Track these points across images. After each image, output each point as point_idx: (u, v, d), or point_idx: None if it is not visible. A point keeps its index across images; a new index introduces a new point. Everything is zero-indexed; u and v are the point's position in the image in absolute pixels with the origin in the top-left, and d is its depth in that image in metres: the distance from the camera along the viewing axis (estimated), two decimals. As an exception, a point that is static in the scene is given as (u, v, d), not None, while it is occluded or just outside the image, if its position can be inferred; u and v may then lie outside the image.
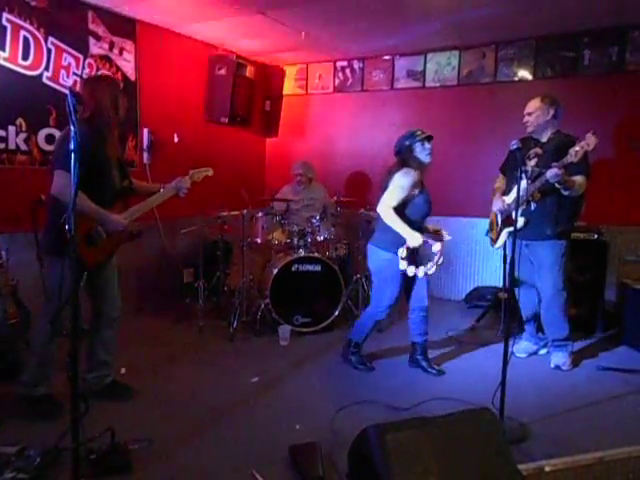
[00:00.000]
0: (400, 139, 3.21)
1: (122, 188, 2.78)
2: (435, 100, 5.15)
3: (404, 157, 3.16)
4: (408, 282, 3.18)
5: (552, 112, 3.27)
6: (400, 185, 3.06)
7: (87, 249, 2.57)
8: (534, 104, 3.32)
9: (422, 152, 3.12)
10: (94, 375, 2.83)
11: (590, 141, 2.87)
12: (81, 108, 1.88)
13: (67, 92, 1.82)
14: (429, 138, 3.13)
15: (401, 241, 3.00)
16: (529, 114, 3.33)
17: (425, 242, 2.96)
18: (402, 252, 2.98)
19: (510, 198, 3.34)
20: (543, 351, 3.62)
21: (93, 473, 2.09)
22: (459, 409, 2.03)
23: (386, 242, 3.10)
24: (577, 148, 2.91)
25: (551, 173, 2.98)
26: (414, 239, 2.94)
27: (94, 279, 2.75)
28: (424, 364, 3.26)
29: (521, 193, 3.20)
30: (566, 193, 3.10)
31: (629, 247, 4.23)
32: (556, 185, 3.06)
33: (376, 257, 3.18)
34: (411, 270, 2.99)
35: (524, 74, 4.75)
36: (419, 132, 3.15)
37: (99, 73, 3.96)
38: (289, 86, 5.87)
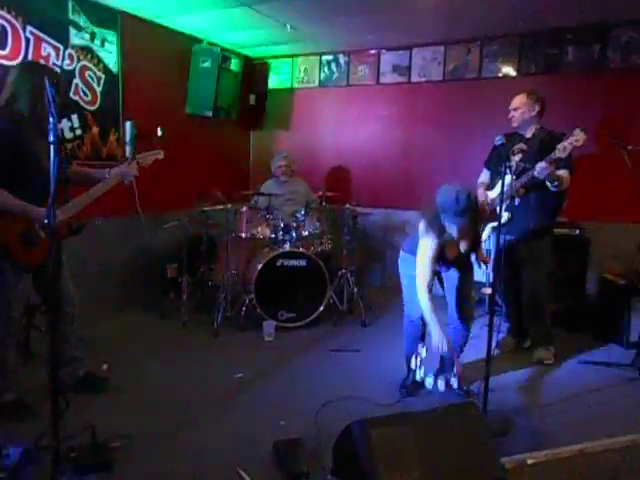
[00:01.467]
0: (441, 195, 2.58)
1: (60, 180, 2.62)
2: (421, 95, 5.16)
3: (431, 219, 2.66)
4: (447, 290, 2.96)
5: (537, 108, 3.30)
6: (422, 261, 2.69)
7: (25, 249, 2.41)
8: (520, 100, 3.35)
9: (449, 227, 2.64)
10: (65, 371, 2.74)
11: (579, 137, 2.90)
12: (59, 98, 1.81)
13: (46, 83, 1.78)
14: (463, 212, 2.51)
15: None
16: (515, 109, 3.36)
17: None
18: (422, 352, 2.75)
19: (494, 193, 3.37)
20: (525, 345, 3.65)
21: (74, 471, 2.06)
22: (443, 404, 2.04)
23: (410, 245, 2.90)
24: (565, 144, 2.93)
25: (539, 168, 3.00)
26: (437, 338, 2.66)
27: (41, 278, 2.59)
28: (452, 383, 2.88)
29: (505, 189, 3.24)
30: (553, 188, 3.13)
31: (610, 243, 4.29)
32: (544, 181, 3.09)
33: (401, 260, 2.99)
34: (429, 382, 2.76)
35: (508, 70, 4.78)
36: (451, 208, 2.51)
37: (30, 60, 3.61)
38: (274, 80, 5.83)
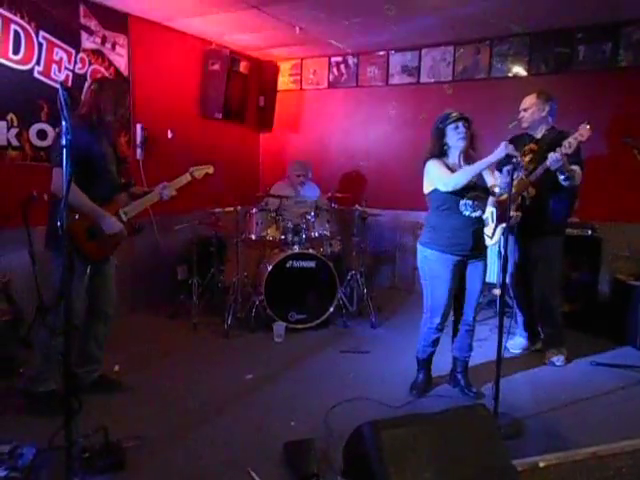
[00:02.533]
0: (434, 122, 2.89)
1: (122, 184, 2.83)
2: (430, 96, 5.14)
3: (432, 143, 2.88)
4: (458, 289, 2.94)
5: (547, 108, 3.28)
6: (433, 170, 2.83)
7: (90, 243, 2.62)
8: (530, 100, 3.33)
9: (453, 136, 2.80)
10: (84, 370, 2.83)
11: (583, 132, 2.86)
12: (75, 104, 1.90)
13: (58, 87, 1.81)
14: (463, 119, 2.80)
15: (436, 235, 2.82)
16: (525, 110, 3.34)
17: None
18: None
19: (505, 195, 3.34)
20: (537, 347, 3.63)
21: (87, 471, 2.08)
22: (453, 406, 2.03)
23: (424, 237, 2.93)
24: (571, 140, 2.90)
25: (553, 158, 2.94)
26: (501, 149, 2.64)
27: (94, 274, 2.76)
28: (463, 383, 2.97)
29: (516, 188, 3.22)
30: (566, 183, 3.08)
31: (622, 243, 4.25)
32: (557, 173, 3.04)
33: (418, 254, 2.97)
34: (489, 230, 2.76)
35: (518, 70, 4.75)
36: (454, 114, 2.81)
37: (105, 75, 3.95)
38: (283, 81, 5.84)
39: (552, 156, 2.97)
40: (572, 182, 3.11)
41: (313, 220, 4.22)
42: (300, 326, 4.02)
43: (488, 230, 3.58)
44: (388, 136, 5.39)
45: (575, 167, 3.10)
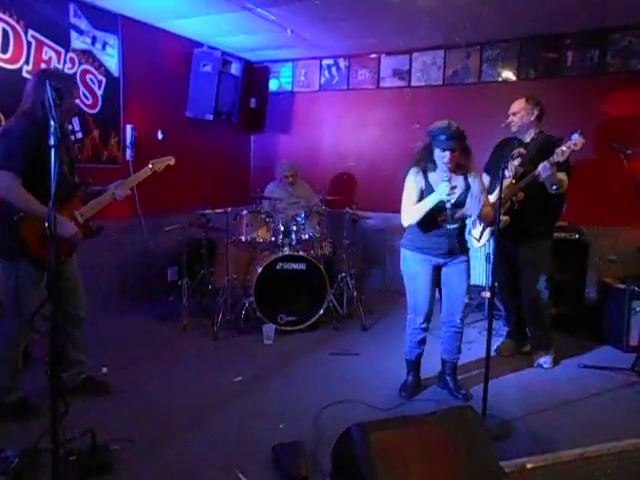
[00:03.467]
0: (434, 124, 2.77)
1: (75, 184, 2.68)
2: (421, 99, 5.17)
3: (420, 153, 2.88)
4: (443, 291, 2.99)
5: (536, 112, 3.31)
6: (404, 192, 2.88)
7: (43, 247, 2.43)
8: (518, 105, 3.36)
9: (439, 159, 2.77)
10: (68, 374, 2.80)
11: (578, 141, 2.90)
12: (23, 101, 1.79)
13: (47, 87, 1.79)
14: (451, 150, 2.70)
15: (414, 237, 2.89)
16: (514, 114, 3.37)
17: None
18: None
19: (493, 197, 3.37)
20: (525, 349, 3.65)
21: (73, 474, 2.06)
22: (441, 408, 2.04)
23: (405, 239, 2.99)
24: (564, 148, 2.94)
25: (542, 167, 3.00)
26: (441, 190, 2.68)
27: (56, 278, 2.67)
28: (451, 385, 2.99)
29: (505, 192, 3.24)
30: (554, 190, 3.13)
31: (609, 247, 4.30)
32: (545, 182, 3.09)
33: (400, 256, 3.02)
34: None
35: (508, 75, 4.80)
36: (442, 137, 2.69)
37: (48, 67, 3.69)
38: (275, 83, 5.85)
39: (542, 166, 3.01)
40: (560, 190, 3.16)
41: (303, 222, 4.22)
42: (290, 328, 4.01)
43: (475, 232, 3.61)
44: (379, 139, 5.41)
45: (561, 174, 3.14)
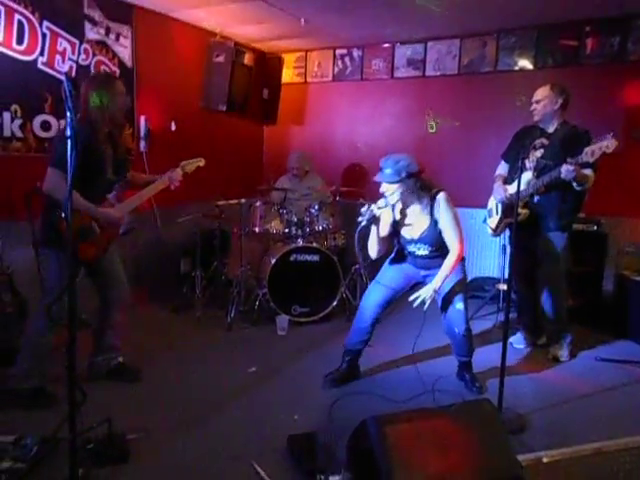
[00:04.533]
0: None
1: (113, 181, 2.80)
2: (435, 89, 5.12)
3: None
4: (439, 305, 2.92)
5: (560, 101, 3.20)
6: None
7: (81, 243, 2.60)
8: (543, 92, 3.24)
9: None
10: (102, 358, 2.91)
11: (610, 144, 2.76)
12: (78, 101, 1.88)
13: (63, 78, 1.79)
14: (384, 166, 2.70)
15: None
16: (537, 102, 3.25)
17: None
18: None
19: (513, 188, 3.31)
20: (541, 342, 3.62)
21: (90, 463, 2.09)
22: (456, 402, 2.03)
23: None
24: (595, 148, 2.81)
25: (566, 171, 2.91)
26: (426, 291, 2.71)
27: (95, 271, 2.81)
28: (467, 378, 3.02)
29: (524, 187, 3.19)
30: (578, 188, 3.06)
31: (628, 238, 4.23)
32: (571, 182, 3.01)
33: None
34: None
35: (525, 63, 4.72)
36: (384, 161, 2.71)
37: (101, 72, 3.88)
38: (288, 74, 5.82)
39: (565, 168, 2.91)
40: (584, 186, 3.07)
41: (317, 214, 4.21)
42: (303, 319, 4.02)
43: (491, 222, 3.58)
44: (393, 129, 5.37)
45: (587, 170, 3.03)
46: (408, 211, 2.77)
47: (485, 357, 3.29)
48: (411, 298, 2.72)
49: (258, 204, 4.22)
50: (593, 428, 2.49)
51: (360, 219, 2.68)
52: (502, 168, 3.57)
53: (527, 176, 3.19)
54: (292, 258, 4.02)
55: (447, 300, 2.85)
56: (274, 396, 2.83)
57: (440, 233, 2.71)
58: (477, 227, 4.76)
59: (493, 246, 4.76)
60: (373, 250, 2.85)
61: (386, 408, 2.59)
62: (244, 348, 3.56)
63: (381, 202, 2.70)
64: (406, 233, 2.80)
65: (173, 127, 4.73)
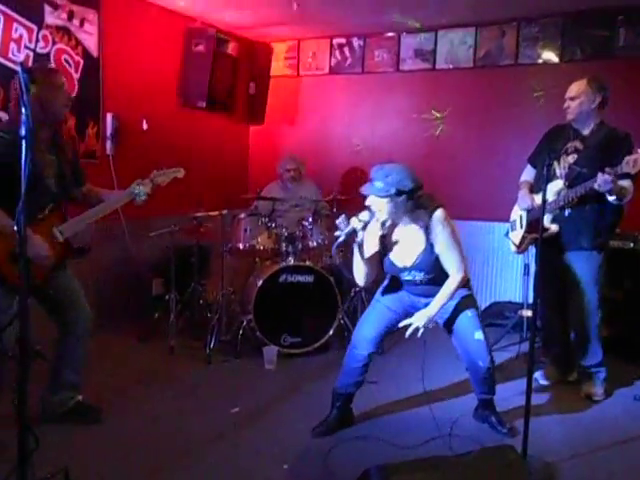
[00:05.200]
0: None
1: (57, 195, 2.71)
2: (447, 84, 5.18)
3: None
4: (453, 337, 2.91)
5: (598, 99, 3.17)
6: None
7: (12, 267, 2.45)
8: (578, 87, 3.22)
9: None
10: (59, 397, 2.85)
11: None
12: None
13: (18, 68, 1.79)
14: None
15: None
16: (572, 99, 3.22)
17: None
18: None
19: (540, 198, 3.31)
20: (572, 378, 3.61)
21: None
22: (474, 448, 2.01)
23: None
24: (637, 157, 2.78)
25: (602, 181, 2.89)
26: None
27: (46, 297, 2.74)
28: (492, 419, 2.98)
29: (553, 197, 3.20)
30: (614, 202, 3.05)
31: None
32: (606, 194, 3.01)
33: None
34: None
35: (549, 56, 4.79)
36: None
37: (35, 65, 3.77)
38: (278, 66, 5.87)
39: (603, 179, 2.89)
40: (623, 200, 3.06)
41: (311, 227, 4.22)
42: (295, 351, 4.00)
43: (514, 236, 3.59)
44: (399, 130, 5.41)
45: (625, 182, 3.01)
46: (399, 232, 2.74)
47: (506, 395, 3.27)
48: (402, 324, 2.72)
49: (243, 216, 4.22)
50: None
51: (337, 233, 2.66)
52: (528, 173, 3.57)
53: (557, 185, 3.21)
54: (282, 279, 4.02)
55: (460, 329, 2.84)
56: (260, 441, 2.80)
57: (436, 259, 2.70)
58: (496, 243, 4.80)
59: (515, 265, 4.78)
60: (359, 275, 2.82)
61: (392, 455, 2.55)
62: (225, 385, 3.53)
63: (364, 215, 2.65)
64: (397, 260, 2.77)
65: (145, 126, 4.74)
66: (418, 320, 2.68)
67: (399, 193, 2.57)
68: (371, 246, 2.76)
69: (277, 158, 4.99)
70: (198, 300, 4.47)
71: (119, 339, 4.27)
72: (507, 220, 3.70)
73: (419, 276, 2.76)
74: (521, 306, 4.50)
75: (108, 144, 4.45)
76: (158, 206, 4.71)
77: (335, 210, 4.47)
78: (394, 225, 2.74)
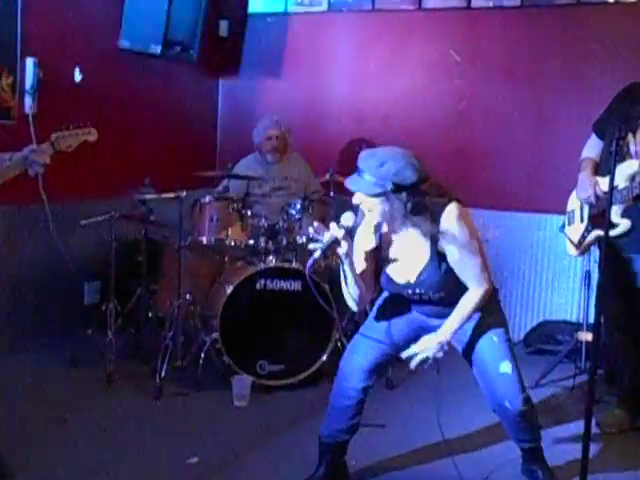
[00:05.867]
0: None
1: None
2: (485, 28, 5.17)
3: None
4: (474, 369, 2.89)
5: None
6: None
7: None
8: None
9: None
10: None
11: None
12: None
13: None
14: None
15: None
16: None
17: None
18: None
19: (605, 183, 3.30)
20: (644, 424, 3.63)
21: None
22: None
23: None
24: None
25: None
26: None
27: None
28: (539, 474, 2.94)
29: (625, 183, 3.19)
30: None
31: None
32: None
33: None
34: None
35: (624, -9, 4.78)
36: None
37: None
38: (258, 1, 5.84)
39: None
40: None
41: (299, 216, 4.21)
42: (275, 382, 4.01)
43: (572, 232, 3.57)
44: (419, 90, 5.39)
45: None
46: (398, 239, 2.70)
47: (559, 443, 3.28)
48: (404, 355, 2.69)
49: (208, 200, 4.21)
50: None
51: (312, 246, 2.58)
52: (593, 147, 3.55)
53: (632, 166, 3.19)
54: (259, 285, 4.01)
55: (482, 360, 2.80)
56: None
57: (447, 272, 2.68)
58: (548, 242, 4.80)
59: (572, 272, 4.78)
60: (350, 299, 2.74)
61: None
62: (181, 426, 3.53)
63: (347, 217, 2.58)
64: (397, 275, 2.73)
65: (78, 77, 4.70)
66: (425, 348, 2.64)
67: (397, 189, 2.48)
68: (361, 259, 2.72)
69: (256, 123, 4.95)
70: (146, 312, 4.47)
71: (40, 363, 4.25)
72: (563, 211, 3.69)
73: (427, 295, 2.73)
74: (579, 327, 4.50)
75: (27, 100, 4.41)
76: (93, 185, 4.71)
77: (332, 194, 4.45)
78: (392, 231, 2.69)
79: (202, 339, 4.07)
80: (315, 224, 2.57)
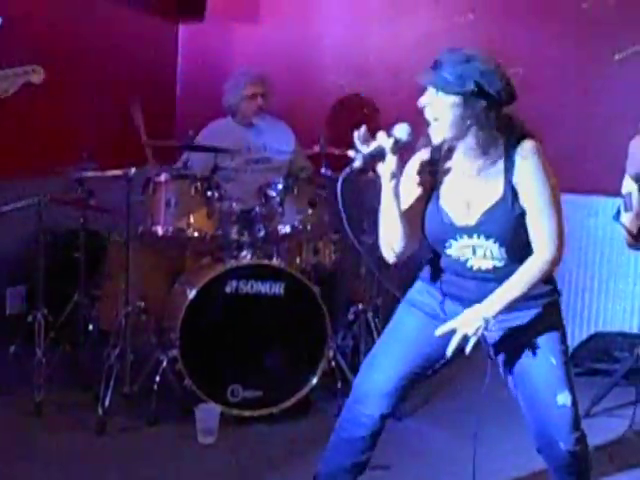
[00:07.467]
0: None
1: None
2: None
3: None
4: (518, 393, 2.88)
5: None
6: None
7: None
8: None
9: None
10: None
11: None
12: None
13: None
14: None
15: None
16: None
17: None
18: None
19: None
20: None
21: None
22: None
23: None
24: None
25: None
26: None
27: None
28: None
29: None
30: None
31: None
32: None
33: None
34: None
35: None
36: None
37: None
38: None
39: None
40: None
41: (281, 200, 4.22)
42: (251, 413, 4.03)
43: (629, 220, 3.59)
44: (436, 38, 5.39)
45: None
46: (460, 166, 2.70)
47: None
48: (438, 332, 2.63)
49: (164, 178, 4.21)
50: None
51: (352, 153, 2.64)
52: None
53: None
54: (230, 288, 4.03)
55: (534, 384, 2.79)
56: None
57: (518, 217, 2.69)
58: (601, 231, 4.82)
59: (631, 271, 4.80)
60: (391, 241, 2.74)
61: None
62: (129, 470, 3.53)
63: (400, 128, 2.61)
64: (454, 213, 2.71)
65: (-2, 20, 4.71)
66: (466, 322, 2.60)
67: (479, 92, 2.51)
68: (412, 189, 2.73)
69: (223, 78, 4.95)
70: (85, 324, 4.48)
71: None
72: (618, 193, 3.71)
73: (488, 254, 2.70)
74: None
75: None
76: (16, 159, 4.71)
77: (324, 172, 4.45)
78: (452, 152, 2.71)
79: (157, 358, 4.09)
80: (362, 129, 2.60)
